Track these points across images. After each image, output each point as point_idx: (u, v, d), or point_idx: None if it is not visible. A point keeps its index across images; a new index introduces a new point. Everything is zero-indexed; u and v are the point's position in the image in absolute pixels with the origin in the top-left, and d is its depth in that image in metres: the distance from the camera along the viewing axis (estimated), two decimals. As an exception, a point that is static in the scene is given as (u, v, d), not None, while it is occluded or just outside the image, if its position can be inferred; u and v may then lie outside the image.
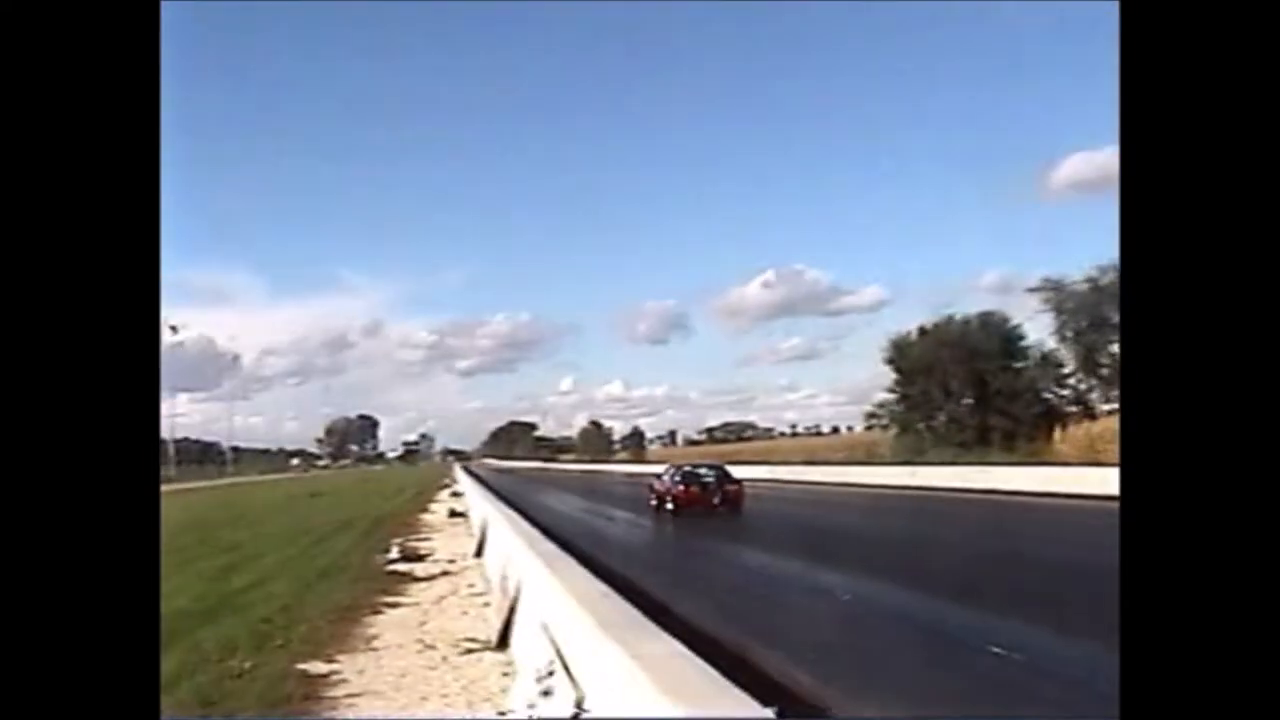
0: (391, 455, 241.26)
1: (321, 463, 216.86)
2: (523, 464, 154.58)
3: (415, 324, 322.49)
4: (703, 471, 29.33)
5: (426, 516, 31.85)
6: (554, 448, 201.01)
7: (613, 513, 31.61)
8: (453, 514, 30.53)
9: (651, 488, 30.50)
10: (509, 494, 35.85)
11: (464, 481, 49.65)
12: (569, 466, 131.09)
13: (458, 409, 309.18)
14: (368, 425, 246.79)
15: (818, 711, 6.87)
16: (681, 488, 27.76)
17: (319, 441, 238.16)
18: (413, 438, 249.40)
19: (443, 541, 22.02)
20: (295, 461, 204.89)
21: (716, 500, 27.31)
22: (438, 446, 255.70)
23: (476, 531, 20.32)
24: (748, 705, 3.82)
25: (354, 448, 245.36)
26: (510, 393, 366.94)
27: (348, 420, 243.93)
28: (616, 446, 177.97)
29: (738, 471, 30.40)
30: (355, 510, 36.63)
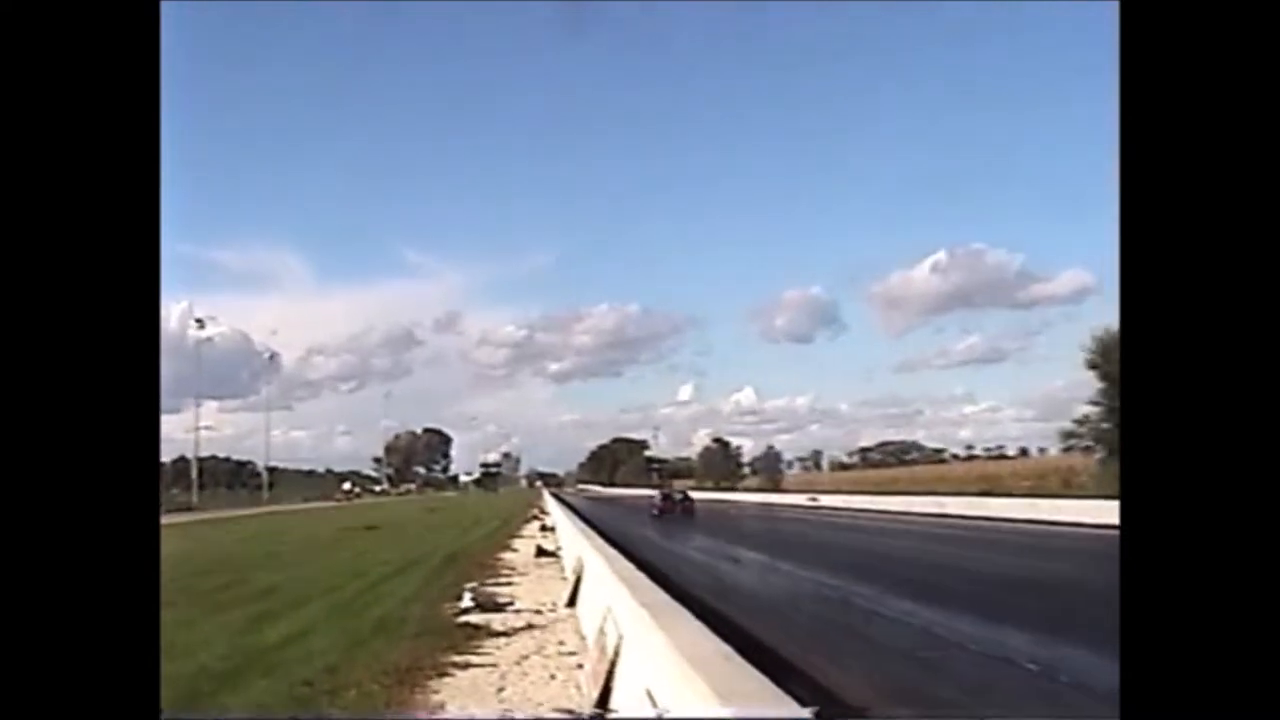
0: (466, 479, 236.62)
1: (380, 488, 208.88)
2: (629, 491, 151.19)
3: (498, 316, 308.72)
4: (675, 495, 66.13)
5: (509, 555, 31.70)
6: (668, 471, 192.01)
7: (740, 553, 31.75)
8: (541, 553, 30.47)
9: (651, 503, 64.65)
10: (611, 528, 35.74)
11: (556, 512, 49.87)
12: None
13: (549, 422, 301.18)
14: (437, 442, 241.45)
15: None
16: (662, 502, 63.01)
17: (377, 461, 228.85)
18: (493, 458, 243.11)
19: (528, 588, 21.90)
20: (347, 486, 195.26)
21: (679, 509, 61.13)
22: (524, 468, 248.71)
23: (570, 574, 20.20)
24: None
25: (420, 470, 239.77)
26: (615, 403, 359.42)
27: (413, 435, 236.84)
28: (746, 470, 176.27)
29: (895, 501, 37.83)
30: (421, 547, 36.63)
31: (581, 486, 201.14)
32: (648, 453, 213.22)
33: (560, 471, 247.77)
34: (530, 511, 66.17)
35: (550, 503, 69.65)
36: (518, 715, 7.21)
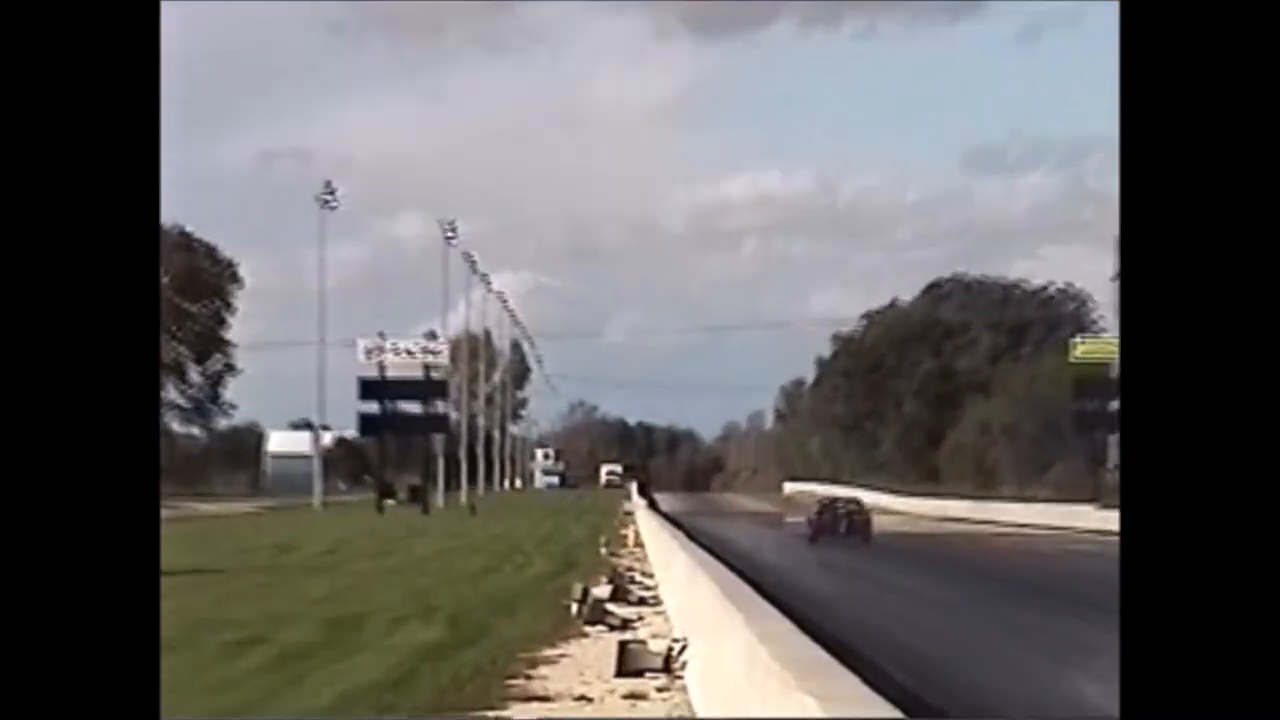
0: (279, 449, 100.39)
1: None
2: (960, 504, 68.84)
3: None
4: (839, 508, 45.79)
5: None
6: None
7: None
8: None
9: (808, 522, 45.27)
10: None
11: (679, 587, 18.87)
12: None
13: (655, 285, 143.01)
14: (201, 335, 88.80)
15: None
16: (817, 518, 44.61)
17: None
18: (416, 355, 67.95)
19: None
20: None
21: (842, 529, 43.45)
22: (546, 410, 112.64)
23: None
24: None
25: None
26: (957, 139, 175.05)
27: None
28: None
29: None
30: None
31: (796, 487, 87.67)
32: (1082, 344, 74.29)
33: (711, 430, 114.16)
34: (578, 579, 23.71)
35: (672, 549, 23.84)
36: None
